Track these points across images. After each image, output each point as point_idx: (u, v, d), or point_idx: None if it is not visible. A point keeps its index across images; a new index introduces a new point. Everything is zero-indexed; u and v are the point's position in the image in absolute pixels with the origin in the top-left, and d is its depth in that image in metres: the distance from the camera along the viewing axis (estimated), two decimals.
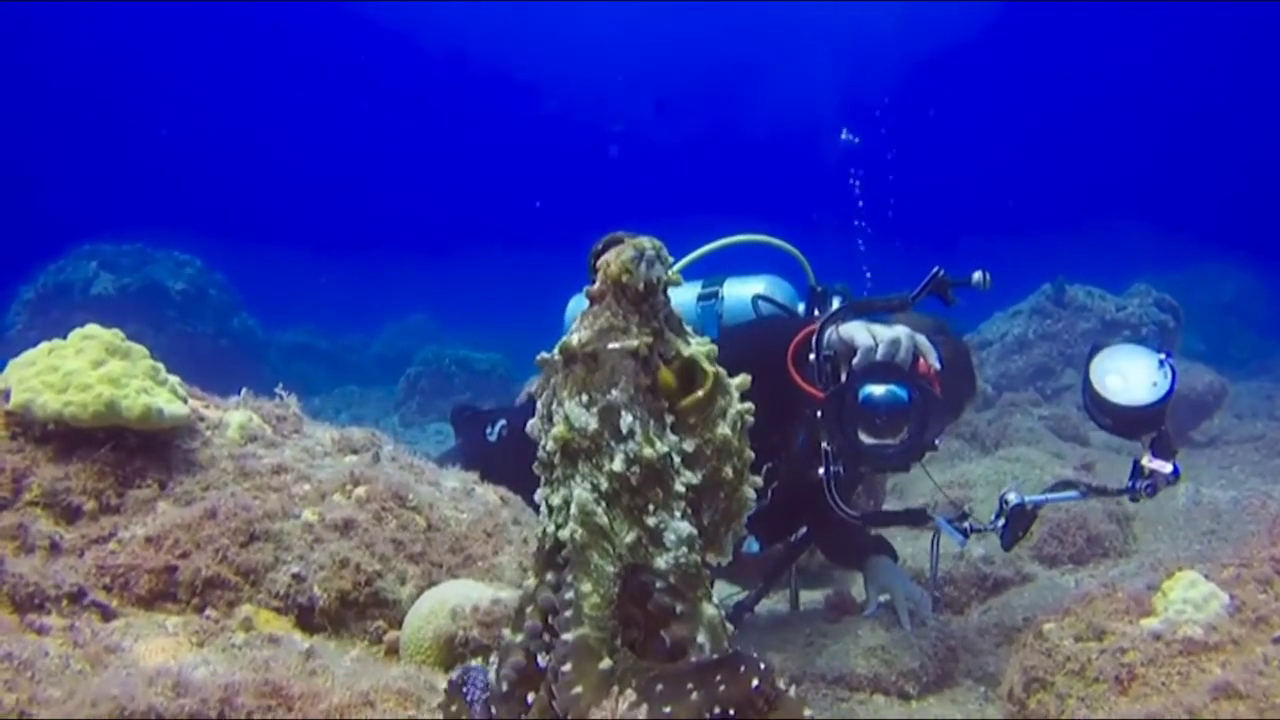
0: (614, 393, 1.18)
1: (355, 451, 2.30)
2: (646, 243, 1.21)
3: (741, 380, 1.30)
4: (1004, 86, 29.25)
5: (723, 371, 1.28)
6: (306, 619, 1.80)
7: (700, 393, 1.23)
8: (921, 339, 2.92)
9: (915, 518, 3.37)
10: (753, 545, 3.32)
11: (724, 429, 1.26)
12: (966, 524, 3.05)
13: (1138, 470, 2.76)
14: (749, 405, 1.29)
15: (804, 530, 3.57)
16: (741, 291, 3.57)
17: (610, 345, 1.18)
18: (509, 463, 2.74)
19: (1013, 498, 2.90)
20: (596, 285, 1.21)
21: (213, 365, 11.47)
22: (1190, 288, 13.21)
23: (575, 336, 1.20)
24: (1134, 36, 26.57)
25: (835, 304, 3.45)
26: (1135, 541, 5.20)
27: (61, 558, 1.74)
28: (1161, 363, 2.70)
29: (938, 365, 2.91)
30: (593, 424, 1.18)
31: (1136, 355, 2.73)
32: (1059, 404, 8.77)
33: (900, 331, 2.87)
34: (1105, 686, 2.12)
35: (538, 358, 1.24)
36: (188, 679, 1.25)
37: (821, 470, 2.96)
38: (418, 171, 33.78)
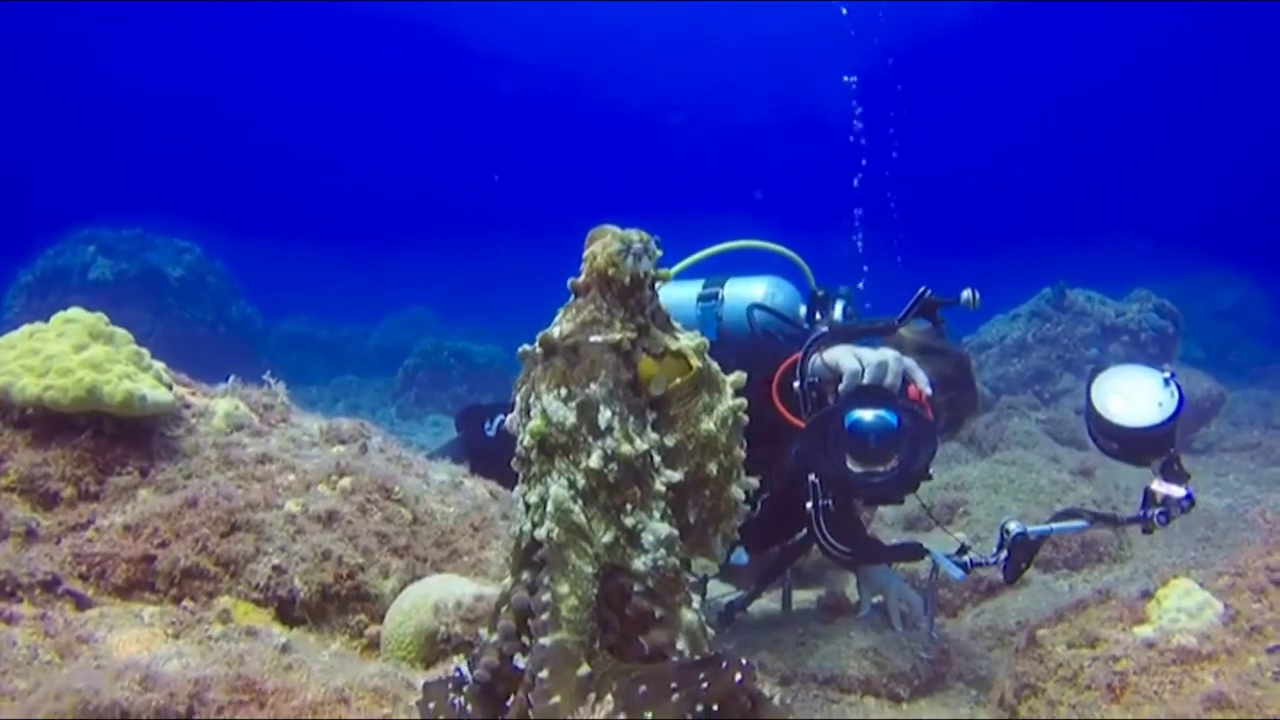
0: (593, 387, 1.14)
1: (343, 442, 2.27)
2: (635, 235, 1.17)
3: (736, 378, 1.26)
4: (1005, 92, 29.18)
5: (714, 366, 1.24)
6: (286, 612, 1.77)
7: (680, 380, 1.20)
8: (910, 362, 2.80)
9: (911, 551, 3.23)
10: (741, 556, 3.23)
11: (709, 424, 1.23)
12: (966, 558, 2.91)
13: (1149, 498, 2.61)
14: (741, 402, 1.25)
15: (802, 534, 3.52)
16: (743, 293, 3.51)
17: (592, 338, 1.15)
18: (507, 458, 2.65)
19: (1014, 528, 2.74)
20: (581, 278, 1.17)
21: (210, 353, 11.43)
22: (1190, 294, 13.16)
23: (556, 329, 1.17)
24: (1136, 42, 26.49)
25: (838, 307, 3.37)
26: (1130, 547, 5.18)
27: (37, 544, 1.71)
28: (1166, 381, 2.53)
29: (929, 389, 2.78)
30: (570, 418, 1.14)
31: (1139, 374, 2.58)
32: (1057, 408, 8.75)
33: (888, 354, 2.75)
34: (1097, 694, 2.09)
35: (519, 351, 1.20)
36: (157, 673, 1.22)
37: (809, 504, 2.83)
38: (421, 163, 33.71)
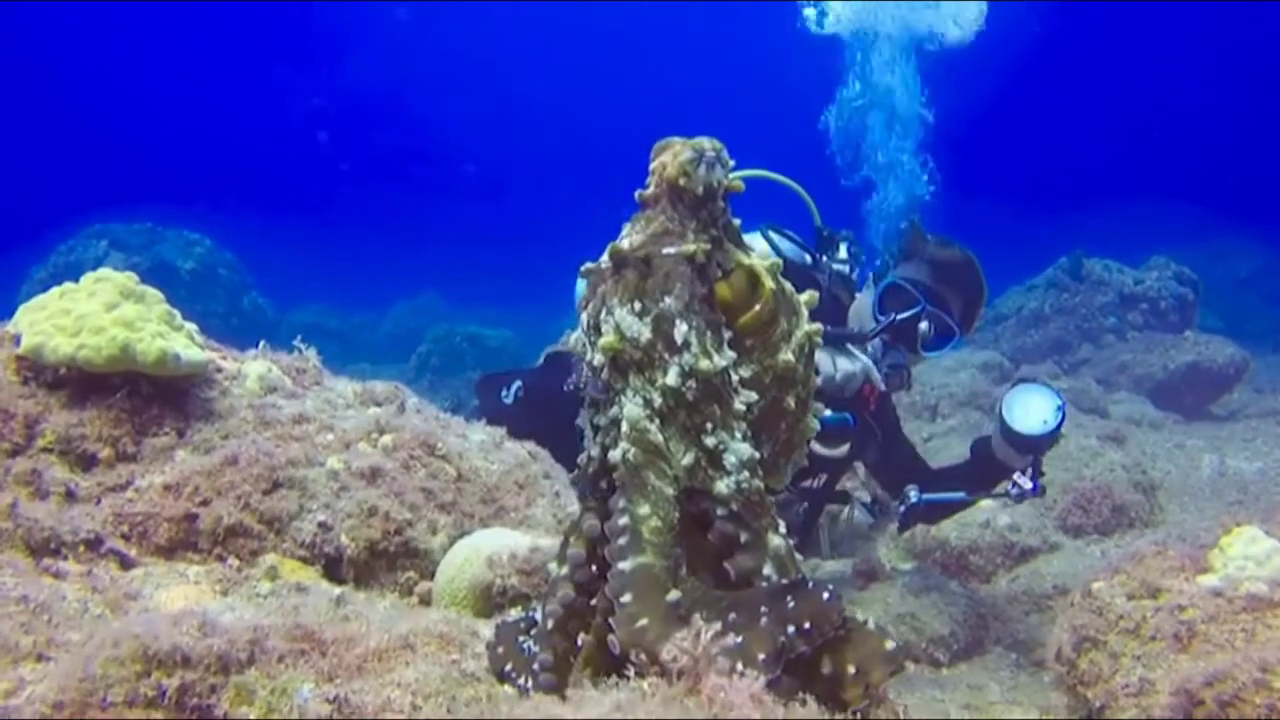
0: (668, 300, 1.07)
1: (378, 403, 2.22)
2: (706, 144, 1.10)
3: (809, 297, 1.19)
4: (1022, 62, 28.87)
5: (789, 287, 1.17)
6: (334, 569, 1.72)
7: (758, 307, 1.13)
8: (870, 365, 3.45)
9: (839, 498, 3.88)
10: None
11: (786, 354, 1.16)
12: (876, 506, 3.79)
13: (1016, 482, 3.40)
14: (817, 326, 1.19)
15: (823, 480, 3.67)
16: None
17: (665, 250, 1.08)
18: (525, 424, 2.66)
19: (913, 496, 3.55)
20: (650, 189, 1.10)
21: (224, 344, 11.38)
22: (1208, 263, 12.96)
23: (626, 241, 1.09)
24: (1153, 11, 26.18)
25: (841, 249, 3.79)
26: (1161, 512, 5.11)
27: (77, 505, 1.66)
28: (1059, 408, 3.39)
29: (882, 386, 3.52)
30: (645, 333, 1.07)
31: (1041, 395, 3.42)
32: (1077, 377, 8.64)
33: (857, 368, 3.42)
34: (1163, 644, 2.02)
35: (583, 267, 1.14)
36: (214, 620, 1.17)
37: None
38: (431, 153, 33.63)
